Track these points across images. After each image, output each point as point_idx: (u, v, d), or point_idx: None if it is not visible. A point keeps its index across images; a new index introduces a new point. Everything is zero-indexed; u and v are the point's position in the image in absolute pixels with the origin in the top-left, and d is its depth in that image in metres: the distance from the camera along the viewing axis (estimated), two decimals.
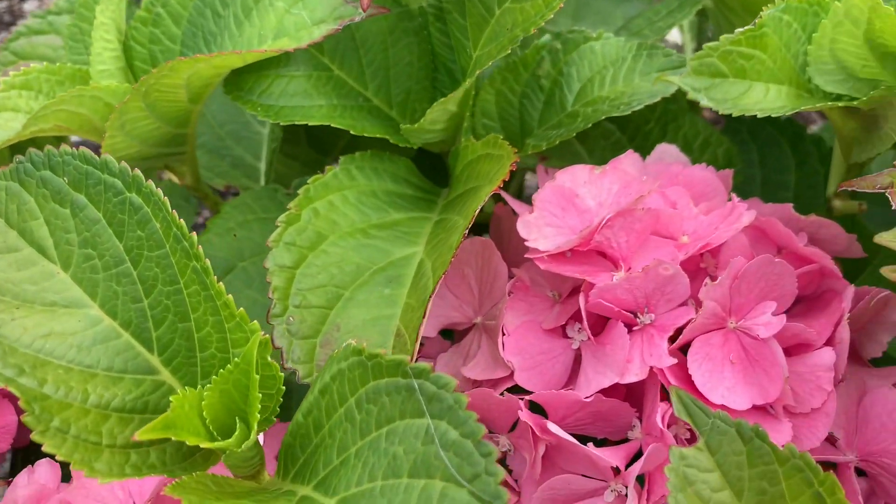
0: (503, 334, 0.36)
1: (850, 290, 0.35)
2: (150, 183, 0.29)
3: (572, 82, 0.44)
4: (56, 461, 0.35)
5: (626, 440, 0.35)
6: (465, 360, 0.39)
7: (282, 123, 0.40)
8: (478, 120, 0.45)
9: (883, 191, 0.31)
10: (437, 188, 0.45)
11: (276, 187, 0.47)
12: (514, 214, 0.40)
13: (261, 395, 0.29)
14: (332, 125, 0.40)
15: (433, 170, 0.48)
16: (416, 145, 0.43)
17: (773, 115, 0.37)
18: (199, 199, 0.53)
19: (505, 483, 0.36)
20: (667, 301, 0.34)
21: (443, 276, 0.36)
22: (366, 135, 0.41)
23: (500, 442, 0.36)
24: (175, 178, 0.51)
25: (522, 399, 0.35)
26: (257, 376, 0.27)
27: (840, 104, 0.37)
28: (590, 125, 0.41)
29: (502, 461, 0.37)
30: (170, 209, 0.28)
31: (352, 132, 0.40)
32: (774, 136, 0.62)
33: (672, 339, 0.33)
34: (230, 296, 0.28)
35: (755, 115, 0.62)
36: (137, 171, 0.29)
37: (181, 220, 0.28)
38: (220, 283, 0.29)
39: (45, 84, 0.44)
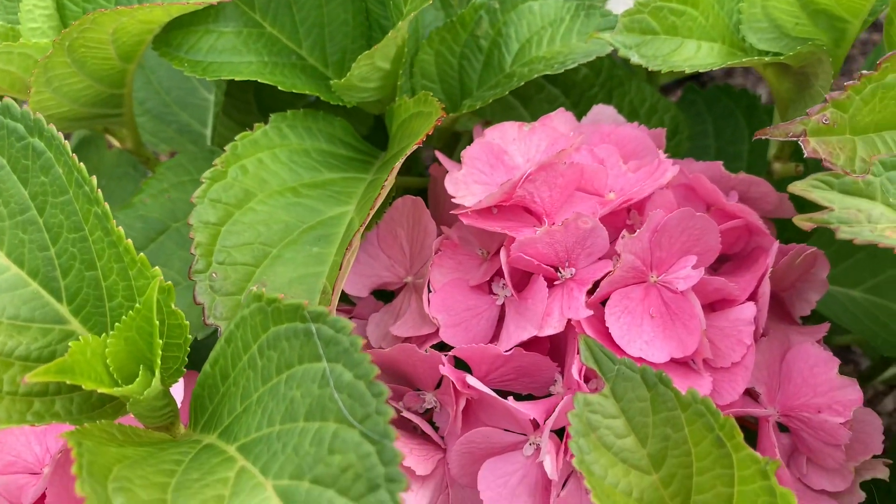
0: (429, 291, 0.36)
1: (776, 246, 0.35)
2: (52, 126, 0.28)
3: (511, 43, 0.44)
4: None
5: (548, 396, 0.35)
6: (396, 319, 0.39)
7: (208, 79, 0.39)
8: (416, 81, 0.45)
9: (796, 139, 0.30)
10: (377, 150, 0.44)
11: (214, 149, 0.46)
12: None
13: (166, 342, 0.28)
14: (260, 81, 0.40)
15: (377, 132, 0.48)
16: (351, 104, 0.42)
17: (701, 70, 0.37)
18: (144, 164, 0.53)
19: (429, 438, 0.36)
20: (587, 255, 0.34)
21: (362, 231, 0.36)
22: (295, 91, 0.40)
23: (426, 399, 0.36)
24: (117, 143, 0.50)
25: (446, 355, 0.35)
26: (157, 322, 0.27)
27: (768, 59, 0.37)
28: (523, 84, 0.41)
29: (429, 418, 0.37)
30: (70, 153, 0.28)
31: (280, 88, 0.40)
32: (730, 108, 0.61)
33: (591, 293, 0.33)
34: (129, 241, 0.28)
35: (712, 88, 0.62)
36: (39, 115, 0.28)
37: (81, 163, 0.28)
38: (143, 251, 0.29)
39: None
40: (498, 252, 0.37)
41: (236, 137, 0.39)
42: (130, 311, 0.27)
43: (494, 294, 0.36)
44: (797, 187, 0.29)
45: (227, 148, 0.38)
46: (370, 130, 0.49)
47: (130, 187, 0.56)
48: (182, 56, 0.40)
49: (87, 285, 0.30)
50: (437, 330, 0.36)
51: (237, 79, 0.39)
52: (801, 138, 0.30)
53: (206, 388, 0.29)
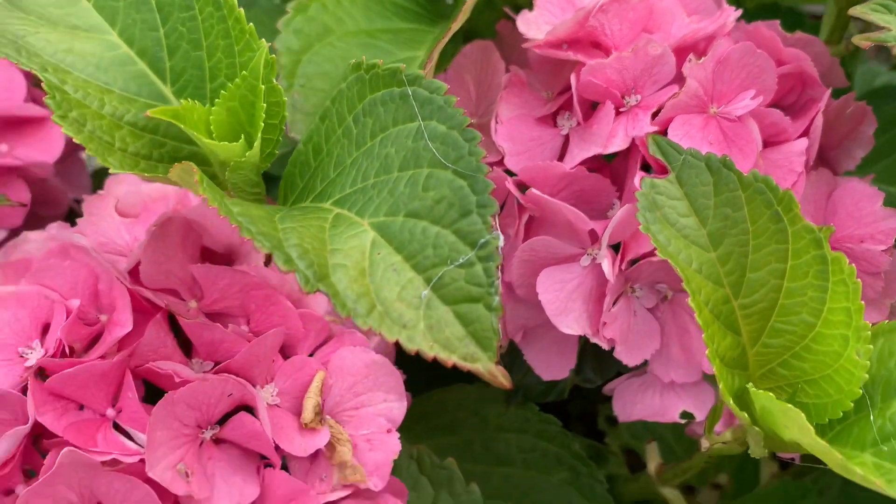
0: (496, 122, 0.38)
1: (828, 92, 0.37)
2: None
3: None
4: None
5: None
6: None
7: None
8: None
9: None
10: (439, 13, 0.47)
11: None
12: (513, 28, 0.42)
13: (266, 120, 0.31)
14: None
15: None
16: None
17: None
18: None
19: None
20: (653, 83, 0.36)
21: (430, 70, 0.38)
22: None
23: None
24: None
25: (513, 178, 0.37)
26: (263, 87, 0.29)
27: None
28: None
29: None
30: None
31: None
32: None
33: (655, 116, 0.35)
34: (241, 9, 0.30)
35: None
36: None
37: None
38: None
39: None
40: (563, 92, 0.39)
41: None
42: (236, 80, 0.30)
43: (559, 126, 0.38)
44: (857, 10, 0.31)
45: None
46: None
47: None
48: None
49: (191, 66, 0.32)
50: (503, 158, 0.38)
51: None
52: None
53: (298, 167, 0.32)
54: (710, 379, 0.37)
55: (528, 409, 0.45)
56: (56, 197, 0.47)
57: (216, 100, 0.31)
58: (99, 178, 0.51)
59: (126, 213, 0.36)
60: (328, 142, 0.31)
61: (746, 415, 0.28)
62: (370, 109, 0.29)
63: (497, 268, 0.25)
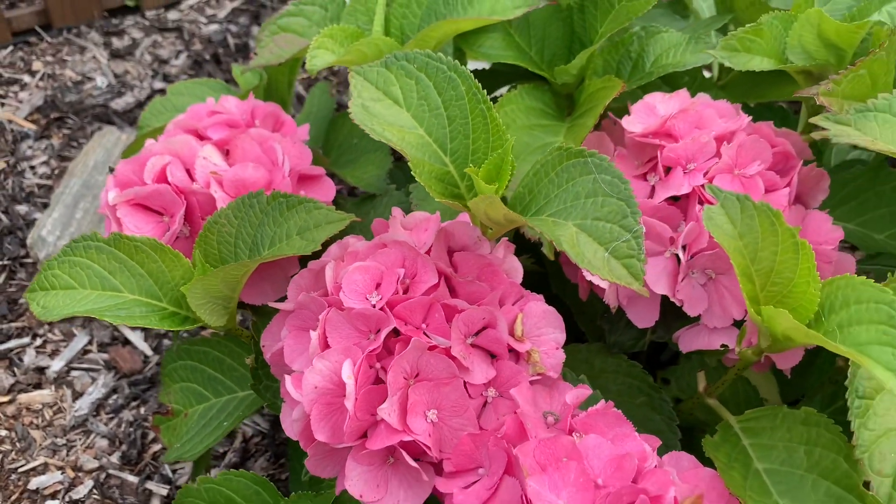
0: None
1: (800, 163, 0.65)
2: (464, 68, 0.59)
3: (650, 55, 0.75)
4: None
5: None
6: None
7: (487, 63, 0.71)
8: (591, 74, 0.76)
9: (814, 96, 0.61)
10: (563, 112, 0.76)
11: None
12: (614, 125, 0.71)
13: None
14: (512, 62, 0.71)
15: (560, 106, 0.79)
16: (560, 82, 0.74)
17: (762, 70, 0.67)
18: None
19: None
20: (703, 156, 0.64)
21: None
22: (529, 69, 0.72)
23: None
24: None
25: None
26: (510, 158, 0.57)
27: (799, 67, 0.68)
28: (653, 77, 0.72)
29: None
30: (473, 79, 0.59)
31: (521, 65, 0.71)
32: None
33: (705, 175, 0.64)
34: (499, 118, 0.58)
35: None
36: (456, 62, 0.59)
37: (478, 82, 0.58)
38: None
39: (341, 36, 0.75)
40: (648, 161, 0.67)
41: (502, 97, 0.70)
42: (494, 154, 0.58)
43: (648, 181, 0.66)
44: (816, 119, 0.60)
45: (497, 102, 0.70)
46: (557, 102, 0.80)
47: None
48: (473, 48, 0.72)
49: (461, 146, 0.60)
50: None
51: (501, 61, 0.71)
52: (816, 96, 0.60)
53: (517, 198, 0.60)
54: (736, 325, 0.65)
55: (619, 358, 0.72)
56: None
57: (482, 164, 0.59)
58: None
59: (406, 227, 0.64)
60: (539, 185, 0.58)
61: (760, 318, 0.55)
62: (564, 168, 0.57)
63: (641, 243, 0.52)
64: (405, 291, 0.59)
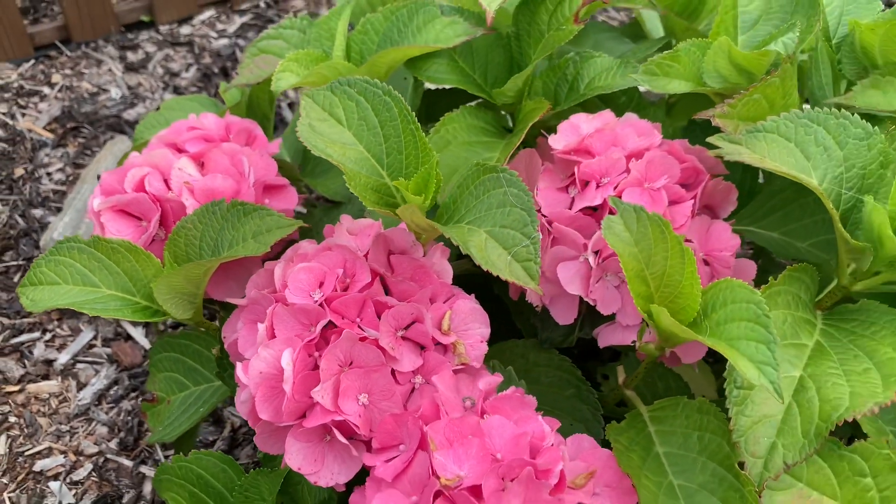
0: (537, 190, 0.74)
1: (708, 176, 0.72)
2: (397, 93, 0.67)
3: (584, 78, 0.82)
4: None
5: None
6: None
7: (433, 85, 0.78)
8: (533, 95, 0.84)
9: (710, 118, 0.68)
10: (505, 131, 0.83)
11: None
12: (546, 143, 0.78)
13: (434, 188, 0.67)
14: (458, 87, 0.79)
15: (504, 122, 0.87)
16: (499, 103, 0.81)
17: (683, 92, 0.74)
18: None
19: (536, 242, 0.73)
20: (615, 171, 0.71)
21: (506, 161, 0.74)
22: (473, 93, 0.79)
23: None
24: None
25: (545, 217, 0.72)
26: (435, 172, 0.65)
27: (716, 90, 0.75)
28: (588, 97, 0.79)
29: None
30: (404, 103, 0.66)
31: (467, 91, 0.79)
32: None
33: (616, 188, 0.71)
34: (426, 138, 0.66)
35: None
36: (390, 87, 0.67)
37: (408, 106, 0.66)
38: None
39: (305, 60, 0.84)
40: (571, 175, 0.75)
41: (443, 116, 0.78)
42: (422, 168, 0.66)
43: (569, 193, 0.74)
44: (711, 139, 0.66)
45: (441, 119, 0.77)
46: (499, 121, 0.88)
47: None
48: (421, 73, 0.79)
49: (395, 161, 0.68)
50: (540, 209, 0.73)
51: (445, 85, 0.79)
52: (713, 117, 0.67)
53: (444, 207, 0.67)
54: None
55: (551, 353, 0.80)
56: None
57: (411, 178, 0.67)
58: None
59: (352, 232, 0.72)
60: (461, 196, 0.66)
61: (651, 317, 0.62)
62: (482, 182, 0.65)
63: (538, 248, 0.60)
64: (344, 289, 0.67)
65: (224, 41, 1.97)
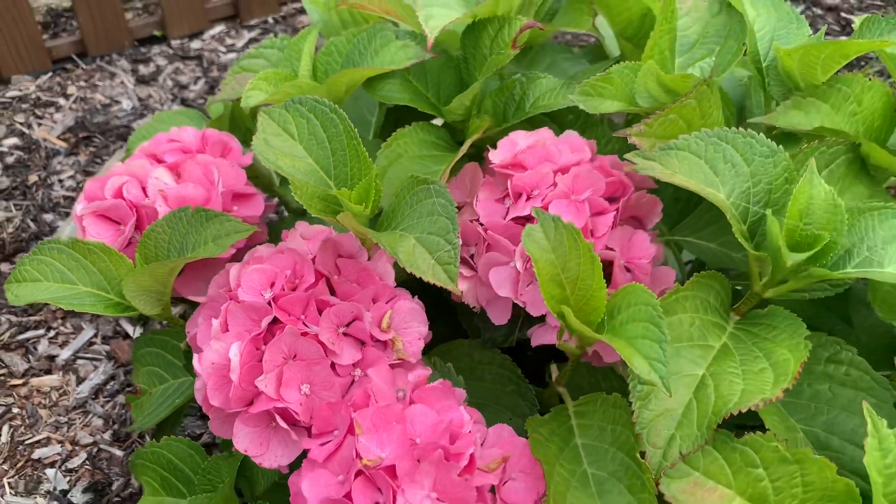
0: (477, 201, 0.80)
1: (631, 189, 0.78)
2: (342, 111, 0.74)
3: (530, 97, 0.89)
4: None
5: None
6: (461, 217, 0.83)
7: (387, 104, 0.85)
8: (482, 113, 0.90)
9: (627, 136, 0.73)
10: (457, 145, 0.90)
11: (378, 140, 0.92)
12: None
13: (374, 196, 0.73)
14: (409, 105, 0.86)
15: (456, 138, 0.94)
16: (448, 120, 0.88)
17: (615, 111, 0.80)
18: None
19: (469, 263, 0.79)
20: (546, 185, 0.77)
21: (446, 177, 0.80)
22: (426, 112, 0.86)
23: (470, 249, 0.80)
24: None
25: (482, 226, 0.79)
26: (375, 184, 0.72)
27: (645, 109, 0.81)
28: (533, 115, 0.85)
29: (471, 256, 0.81)
30: (347, 120, 0.73)
31: (419, 109, 0.86)
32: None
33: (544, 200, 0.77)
34: (365, 151, 0.73)
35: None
36: (336, 107, 0.74)
37: (351, 123, 0.73)
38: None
39: (274, 79, 0.91)
40: (506, 186, 0.81)
41: (396, 131, 0.85)
42: (363, 180, 0.72)
43: (505, 204, 0.80)
44: (627, 155, 0.72)
45: (393, 134, 0.84)
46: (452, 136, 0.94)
47: None
48: (376, 92, 0.86)
49: (341, 173, 0.75)
50: (479, 218, 0.80)
51: (399, 104, 0.85)
52: (629, 136, 0.73)
53: (385, 216, 0.74)
54: None
55: (494, 352, 0.86)
56: (261, 233, 0.92)
57: (354, 188, 0.74)
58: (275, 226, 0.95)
59: (305, 237, 0.79)
60: (399, 205, 0.73)
61: (565, 320, 0.68)
62: (415, 193, 0.71)
63: (457, 252, 0.66)
64: (293, 289, 0.74)
65: (232, 55, 2.05)
